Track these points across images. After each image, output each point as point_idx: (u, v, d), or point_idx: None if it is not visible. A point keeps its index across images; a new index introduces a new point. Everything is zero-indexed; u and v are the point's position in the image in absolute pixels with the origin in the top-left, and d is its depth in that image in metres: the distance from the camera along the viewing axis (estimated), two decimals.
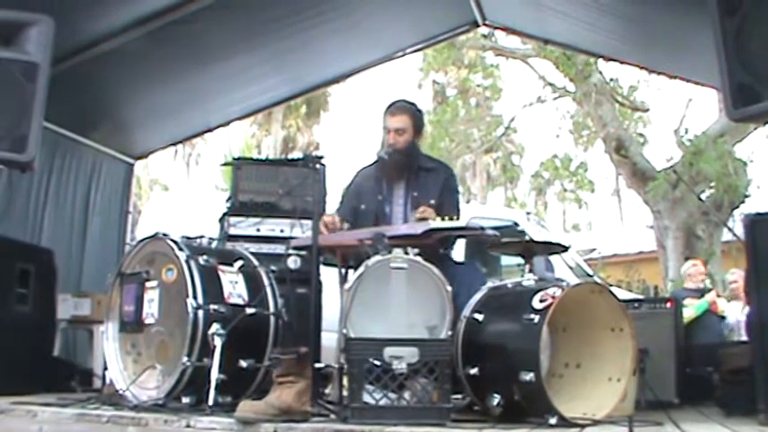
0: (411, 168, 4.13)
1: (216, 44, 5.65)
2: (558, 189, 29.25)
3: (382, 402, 2.89)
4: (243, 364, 3.45)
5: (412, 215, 3.89)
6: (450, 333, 3.17)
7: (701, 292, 6.71)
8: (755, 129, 10.80)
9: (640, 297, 7.70)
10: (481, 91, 21.51)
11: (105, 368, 3.79)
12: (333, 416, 3.05)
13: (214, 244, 3.88)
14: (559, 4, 5.92)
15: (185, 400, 3.30)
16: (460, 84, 22.16)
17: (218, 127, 7.54)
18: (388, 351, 2.92)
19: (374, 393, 2.90)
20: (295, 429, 2.73)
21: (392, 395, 2.92)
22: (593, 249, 16.67)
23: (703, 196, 11.40)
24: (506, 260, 6.01)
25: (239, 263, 3.71)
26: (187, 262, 3.44)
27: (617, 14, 5.76)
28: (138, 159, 7.26)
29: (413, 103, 4.26)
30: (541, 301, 3.09)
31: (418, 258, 3.23)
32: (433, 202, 3.95)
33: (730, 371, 3.92)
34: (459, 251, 6.05)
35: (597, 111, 12.49)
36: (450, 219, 3.52)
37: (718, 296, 6.89)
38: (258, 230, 4.51)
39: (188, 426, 2.87)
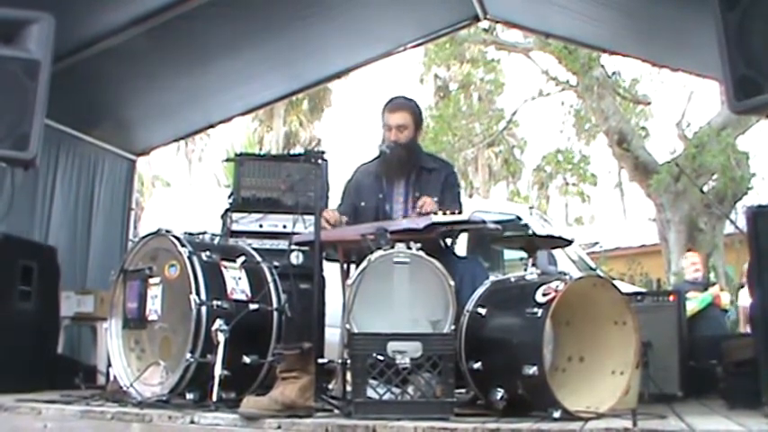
0: (412, 166, 4.11)
1: (217, 41, 5.65)
2: (560, 183, 29.26)
3: (386, 397, 2.90)
4: (246, 359, 3.44)
5: (413, 214, 3.87)
6: (453, 327, 3.17)
7: (704, 285, 6.71)
8: (757, 121, 10.79)
9: (643, 290, 7.68)
10: (483, 85, 21.48)
11: (109, 365, 3.80)
12: (336, 411, 3.05)
13: (217, 240, 3.87)
14: None
15: (189, 396, 3.31)
16: (462, 78, 22.15)
17: (219, 123, 7.53)
18: (392, 346, 2.93)
19: (377, 388, 2.91)
20: (299, 425, 2.73)
21: (395, 390, 2.92)
22: (596, 243, 16.66)
23: (706, 189, 11.39)
24: (509, 254, 6.01)
25: (242, 259, 3.70)
26: (190, 258, 3.43)
27: (618, 8, 5.75)
28: (140, 156, 7.27)
29: (411, 99, 4.24)
30: (544, 294, 3.09)
31: (421, 253, 3.22)
32: (435, 200, 3.94)
33: (734, 363, 3.92)
34: (461, 245, 6.07)
35: (599, 104, 12.46)
36: (452, 213, 3.51)
37: (722, 289, 6.90)
38: (261, 226, 4.50)
39: (192, 422, 2.88)
